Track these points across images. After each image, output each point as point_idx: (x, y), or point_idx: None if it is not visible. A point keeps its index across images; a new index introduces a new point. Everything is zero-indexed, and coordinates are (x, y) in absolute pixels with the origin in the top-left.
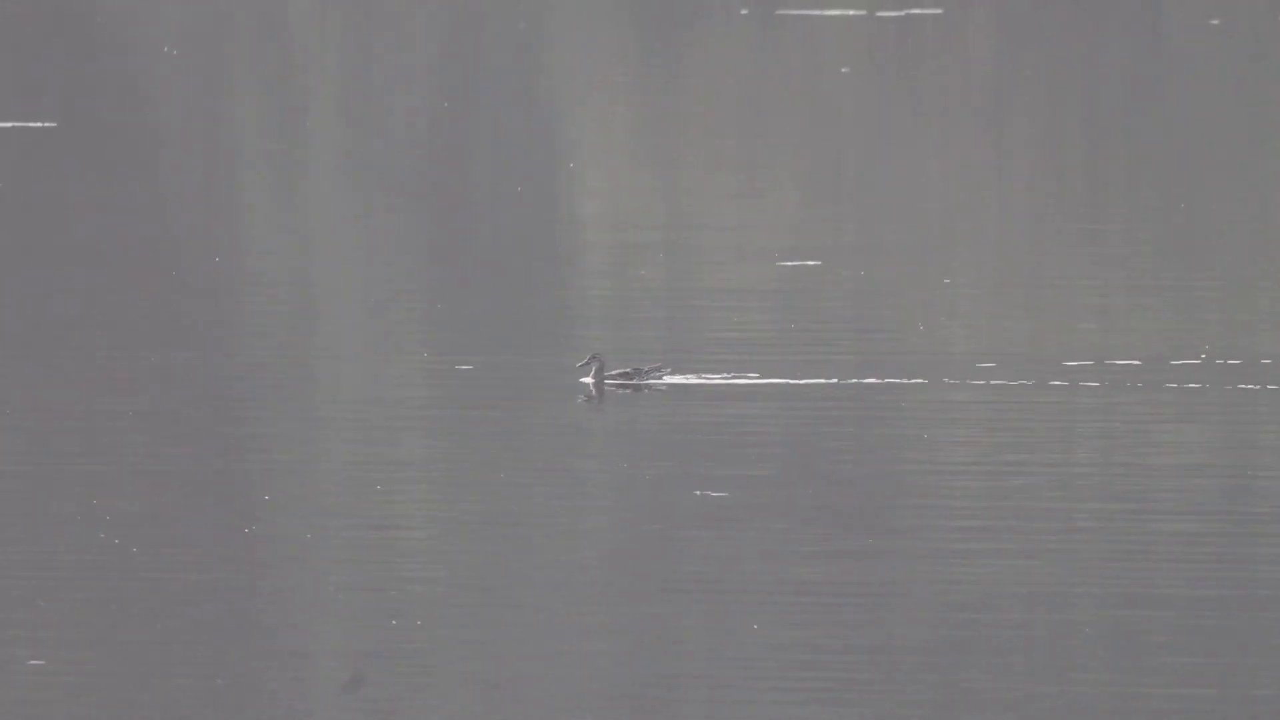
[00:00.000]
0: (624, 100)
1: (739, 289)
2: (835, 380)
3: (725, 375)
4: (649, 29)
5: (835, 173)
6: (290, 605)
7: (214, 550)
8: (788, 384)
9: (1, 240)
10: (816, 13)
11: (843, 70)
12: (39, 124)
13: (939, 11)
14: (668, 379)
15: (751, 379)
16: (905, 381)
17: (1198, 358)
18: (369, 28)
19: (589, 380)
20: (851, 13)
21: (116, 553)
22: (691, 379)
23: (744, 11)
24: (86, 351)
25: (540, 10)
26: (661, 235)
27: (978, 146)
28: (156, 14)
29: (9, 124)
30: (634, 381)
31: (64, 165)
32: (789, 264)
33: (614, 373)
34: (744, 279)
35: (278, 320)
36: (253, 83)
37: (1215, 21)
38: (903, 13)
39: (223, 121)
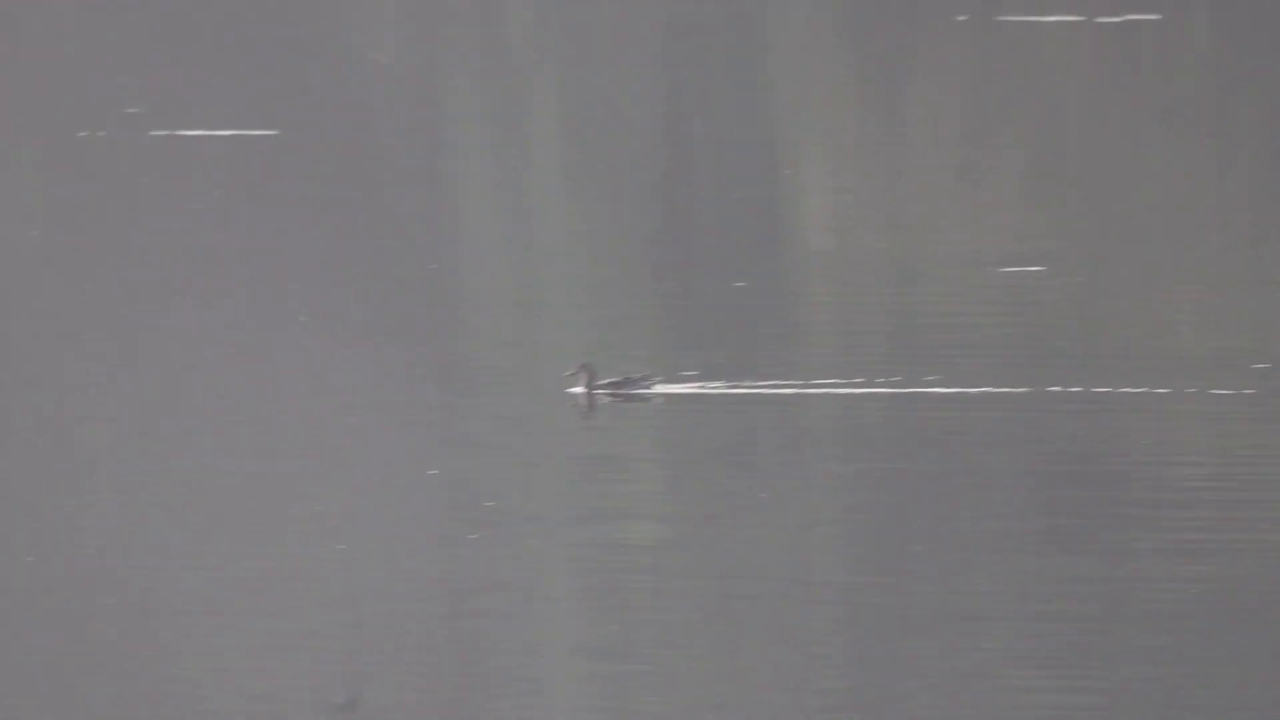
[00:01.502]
0: (843, 106)
1: (960, 295)
2: (1056, 387)
3: (722, 384)
4: (867, 35)
5: (1057, 178)
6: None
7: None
8: (1009, 392)
9: (226, 246)
10: (1035, 18)
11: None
12: (260, 132)
13: (1157, 17)
14: (657, 388)
15: (762, 387)
16: (1128, 390)
17: None
18: (589, 33)
19: (579, 390)
20: (1071, 18)
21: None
22: (679, 388)
23: (962, 18)
24: (306, 356)
25: (759, 18)
26: (882, 241)
27: (1199, 151)
28: (373, 23)
29: (231, 132)
30: (623, 391)
31: (285, 172)
32: (1011, 270)
33: (603, 382)
34: (965, 285)
35: (492, 326)
36: (471, 89)
37: None
38: (1121, 18)
39: (440, 128)
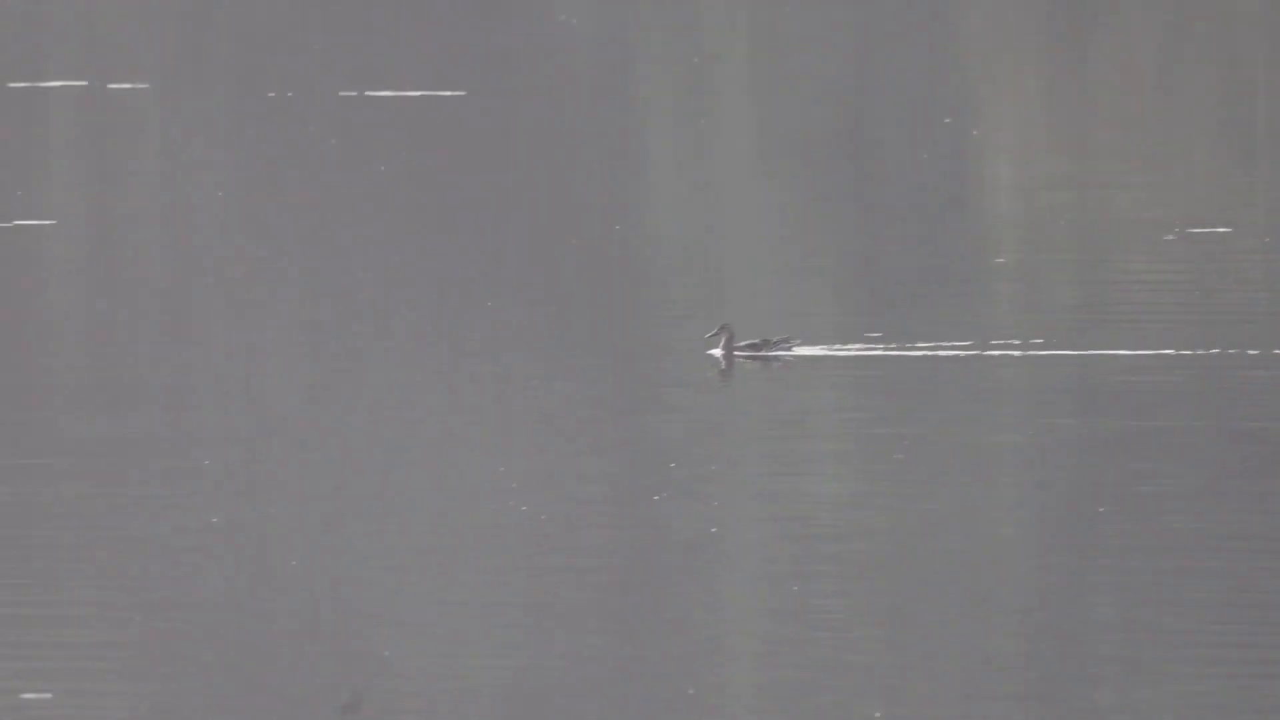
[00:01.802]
0: (1030, 65)
1: (1146, 256)
2: (1234, 350)
3: (855, 346)
4: None
5: (1246, 138)
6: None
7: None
8: (1191, 354)
9: (413, 205)
10: None
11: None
12: (449, 93)
13: None
14: (796, 350)
15: (907, 349)
16: None
17: None
18: None
19: (718, 351)
20: None
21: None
22: (819, 350)
23: None
24: (484, 315)
25: None
26: (1068, 201)
27: None
28: None
29: (420, 93)
30: (762, 353)
31: (472, 134)
32: (1197, 231)
33: (742, 344)
34: (1151, 247)
35: (672, 287)
36: (659, 51)
37: None
38: None
39: (628, 89)
